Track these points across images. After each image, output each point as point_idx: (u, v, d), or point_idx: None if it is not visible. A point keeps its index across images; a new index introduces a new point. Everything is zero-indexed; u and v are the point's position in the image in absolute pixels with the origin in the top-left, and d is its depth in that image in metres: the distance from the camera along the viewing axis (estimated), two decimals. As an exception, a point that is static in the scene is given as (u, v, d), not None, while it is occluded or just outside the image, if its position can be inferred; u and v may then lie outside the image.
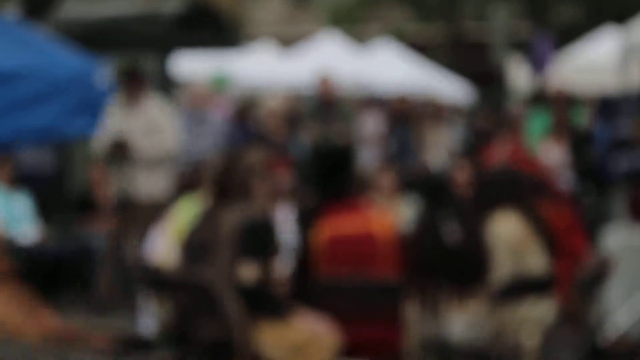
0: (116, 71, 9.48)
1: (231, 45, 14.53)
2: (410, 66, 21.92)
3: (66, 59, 10.02)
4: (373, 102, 13.65)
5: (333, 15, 31.81)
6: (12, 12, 12.43)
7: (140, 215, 9.46)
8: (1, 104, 9.76)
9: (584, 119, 11.28)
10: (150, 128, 9.39)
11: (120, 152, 9.22)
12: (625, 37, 8.68)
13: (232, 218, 5.59)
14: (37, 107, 9.66)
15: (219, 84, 18.52)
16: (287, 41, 27.62)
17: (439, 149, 12.38)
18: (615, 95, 8.56)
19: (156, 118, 9.45)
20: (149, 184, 9.46)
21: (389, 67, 20.35)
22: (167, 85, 12.79)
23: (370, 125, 12.12)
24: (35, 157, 11.22)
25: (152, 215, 9.57)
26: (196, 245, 5.69)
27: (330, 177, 6.01)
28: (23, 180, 11.34)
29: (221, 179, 5.79)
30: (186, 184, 7.04)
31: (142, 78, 9.56)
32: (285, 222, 7.18)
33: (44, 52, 10.38)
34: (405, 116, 11.81)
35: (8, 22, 10.74)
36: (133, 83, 9.40)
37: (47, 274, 9.48)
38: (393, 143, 11.46)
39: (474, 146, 12.99)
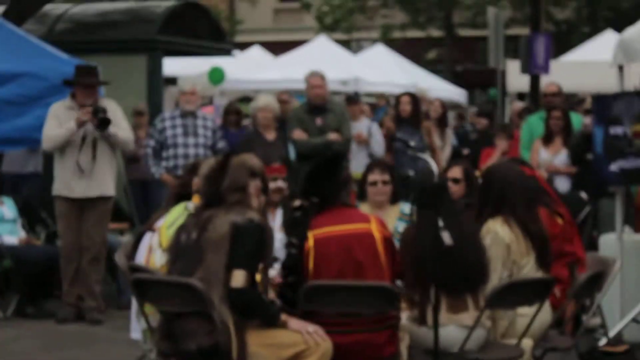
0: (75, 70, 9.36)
1: (223, 48, 14.49)
2: (404, 68, 21.89)
3: (58, 63, 9.96)
4: (364, 103, 13.52)
5: (325, 20, 31.71)
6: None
7: (97, 211, 9.32)
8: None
9: (580, 120, 11.18)
10: (113, 123, 9.24)
11: (101, 116, 9.05)
12: (620, 38, 8.59)
13: (224, 221, 5.49)
14: (29, 110, 9.60)
15: (215, 77, 18.35)
16: (279, 45, 27.59)
17: (440, 149, 12.31)
18: (611, 95, 8.47)
19: (114, 115, 9.30)
20: (104, 179, 9.31)
21: (381, 69, 20.31)
22: (157, 83, 12.73)
23: (363, 127, 12.02)
24: (24, 157, 11.15)
25: (107, 210, 9.48)
26: (186, 249, 5.59)
27: (321, 181, 5.93)
28: (11, 180, 11.28)
29: (213, 180, 5.70)
30: (180, 186, 6.94)
31: (98, 77, 9.42)
32: (279, 226, 7.10)
33: (38, 56, 10.33)
34: (412, 116, 11.71)
35: (3, 24, 10.70)
36: (90, 81, 9.21)
37: (35, 274, 9.40)
38: (396, 143, 11.35)
39: (472, 147, 12.94)
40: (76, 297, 9.39)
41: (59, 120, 9.11)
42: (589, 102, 11.28)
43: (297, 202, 5.92)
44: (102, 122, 9.09)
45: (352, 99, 12.42)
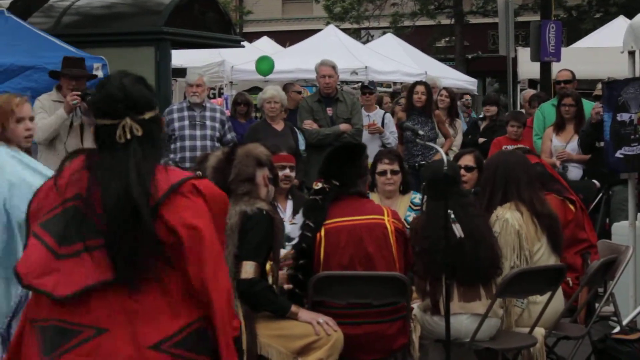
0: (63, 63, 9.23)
1: (232, 39, 14.42)
2: (414, 57, 21.83)
3: (67, 55, 9.91)
4: (375, 93, 13.42)
5: (334, 9, 31.60)
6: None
7: None
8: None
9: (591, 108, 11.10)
10: None
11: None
12: (630, 23, 8.53)
13: (233, 212, 5.45)
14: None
15: (264, 66, 18.16)
16: (288, 35, 27.52)
17: (451, 138, 12.23)
18: (621, 81, 8.40)
19: None
20: None
21: (391, 58, 20.26)
22: (165, 75, 12.66)
23: (377, 117, 11.96)
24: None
25: None
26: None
27: (342, 166, 5.87)
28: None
29: (220, 172, 5.65)
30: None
31: (85, 68, 9.29)
32: (290, 215, 7.05)
33: (44, 49, 10.30)
34: (425, 105, 11.63)
35: (10, 17, 10.68)
36: (77, 73, 9.05)
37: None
38: (406, 133, 11.25)
39: (482, 136, 12.87)
40: None
41: (47, 113, 8.95)
42: (599, 89, 11.20)
43: (318, 185, 5.85)
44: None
45: (368, 88, 12.32)
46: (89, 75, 9.26)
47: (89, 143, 8.97)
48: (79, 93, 8.83)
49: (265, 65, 18.15)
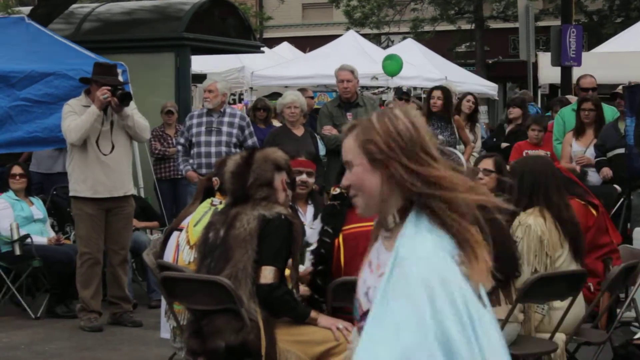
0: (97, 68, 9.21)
1: (252, 45, 14.44)
2: (434, 62, 21.78)
3: (86, 62, 9.95)
4: (410, 100, 13.41)
5: (354, 15, 31.54)
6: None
7: (123, 212, 9.16)
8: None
9: (613, 112, 11.04)
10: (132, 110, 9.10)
11: (121, 92, 8.87)
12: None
13: (252, 217, 5.43)
14: (57, 109, 9.57)
15: (391, 67, 18.00)
16: (308, 41, 27.50)
17: (471, 145, 12.17)
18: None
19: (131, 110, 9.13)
20: (125, 177, 9.18)
21: (411, 64, 20.21)
22: (185, 81, 12.68)
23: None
24: (52, 157, 11.15)
25: (132, 210, 9.31)
26: (215, 246, 5.54)
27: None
28: (42, 178, 11.27)
29: (239, 177, 5.64)
30: (208, 181, 6.89)
31: (117, 75, 9.26)
32: (309, 220, 7.03)
33: (65, 56, 10.34)
34: (443, 110, 11.57)
35: (31, 24, 10.72)
36: (107, 80, 8.96)
37: (64, 274, 9.37)
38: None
39: (507, 140, 12.79)
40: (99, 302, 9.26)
41: (78, 115, 8.88)
42: (619, 88, 11.13)
43: (336, 190, 5.81)
44: (123, 97, 8.85)
45: (406, 94, 12.27)
46: (119, 82, 9.20)
47: (119, 143, 9.00)
48: (109, 87, 8.77)
49: (392, 65, 17.78)
